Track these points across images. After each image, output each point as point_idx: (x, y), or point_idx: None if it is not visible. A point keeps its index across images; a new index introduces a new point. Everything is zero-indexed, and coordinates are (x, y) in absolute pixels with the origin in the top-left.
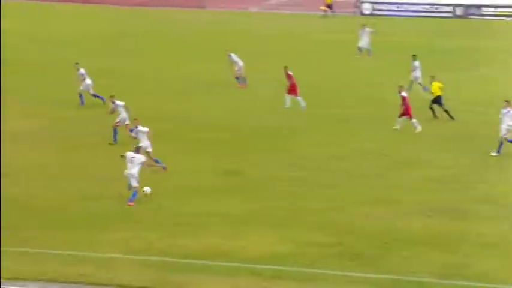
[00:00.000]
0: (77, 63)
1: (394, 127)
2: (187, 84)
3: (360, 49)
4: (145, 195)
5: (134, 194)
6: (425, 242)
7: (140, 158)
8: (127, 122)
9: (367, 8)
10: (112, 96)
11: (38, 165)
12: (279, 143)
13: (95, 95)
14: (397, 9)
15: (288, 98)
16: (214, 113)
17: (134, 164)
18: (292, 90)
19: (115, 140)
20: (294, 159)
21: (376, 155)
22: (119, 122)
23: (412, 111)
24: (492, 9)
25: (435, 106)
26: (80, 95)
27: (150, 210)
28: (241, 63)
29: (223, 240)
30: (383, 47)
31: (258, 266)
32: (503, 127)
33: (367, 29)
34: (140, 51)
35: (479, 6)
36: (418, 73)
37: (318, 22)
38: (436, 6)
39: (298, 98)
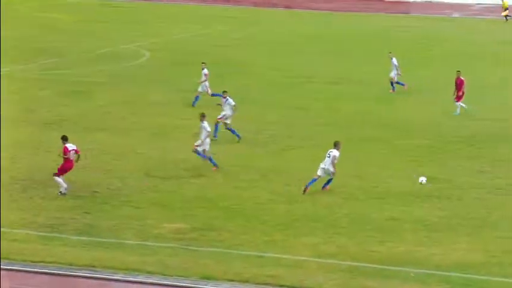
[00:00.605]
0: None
1: None
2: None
3: None
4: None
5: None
6: None
7: (335, 154)
8: (228, 121)
9: None
10: (225, 92)
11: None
12: (476, 150)
13: (213, 94)
14: None
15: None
16: (415, 118)
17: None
18: (460, 97)
19: (215, 135)
20: (493, 166)
21: None
22: (221, 117)
23: None
24: None
25: None
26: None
27: (342, 214)
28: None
29: (415, 247)
30: None
31: (449, 274)
32: None
33: None
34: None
35: None
36: None
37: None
38: None
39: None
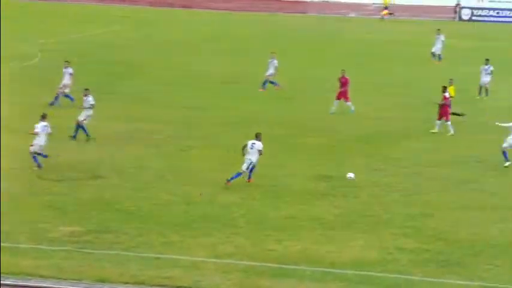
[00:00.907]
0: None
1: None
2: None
3: (433, 54)
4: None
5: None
6: None
7: (259, 145)
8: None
9: (466, 13)
10: (86, 90)
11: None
12: (372, 149)
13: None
14: (497, 15)
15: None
16: (311, 117)
17: (254, 150)
18: (343, 94)
19: (74, 136)
20: (386, 164)
21: (472, 161)
22: (85, 119)
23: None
24: None
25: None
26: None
27: (239, 214)
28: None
29: (311, 245)
30: (480, 54)
31: (345, 271)
32: None
33: (440, 35)
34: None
35: None
36: (487, 78)
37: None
38: None
39: (349, 103)
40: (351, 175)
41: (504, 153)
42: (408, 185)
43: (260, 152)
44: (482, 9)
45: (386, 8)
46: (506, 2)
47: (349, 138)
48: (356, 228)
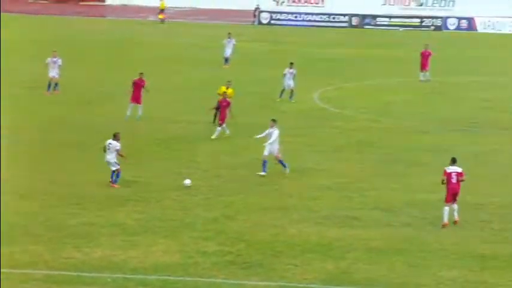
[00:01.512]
0: None
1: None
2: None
3: (226, 59)
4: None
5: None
6: (317, 249)
7: (116, 144)
8: None
9: (265, 17)
10: None
11: None
12: (173, 152)
13: None
14: (294, 18)
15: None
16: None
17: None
18: (136, 98)
19: None
20: (188, 168)
21: (270, 163)
22: None
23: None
24: (386, 19)
25: None
26: None
27: (38, 222)
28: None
29: (112, 251)
30: (278, 57)
31: (147, 277)
32: None
33: (231, 39)
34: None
35: (374, 17)
36: (291, 81)
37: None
38: (333, 16)
39: (140, 106)
40: (187, 182)
41: (264, 162)
42: (210, 188)
43: (117, 152)
44: (280, 13)
45: (162, 11)
46: (303, 6)
47: (149, 143)
48: (158, 233)
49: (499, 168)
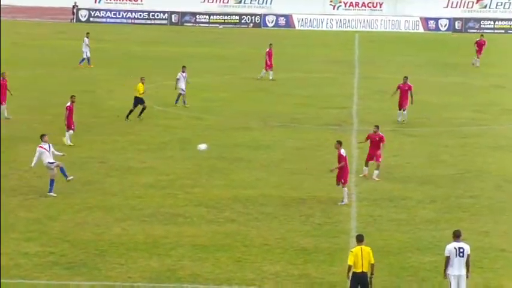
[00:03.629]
0: None
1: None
2: None
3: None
4: None
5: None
6: (142, 247)
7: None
8: None
9: (83, 14)
10: None
11: None
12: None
13: None
14: (114, 16)
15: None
16: None
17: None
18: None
19: None
20: (11, 169)
21: (94, 162)
22: None
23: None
24: (206, 16)
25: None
26: None
27: None
28: None
29: None
30: (99, 55)
31: None
32: None
33: (86, 38)
34: None
35: (194, 14)
36: (183, 84)
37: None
38: (152, 13)
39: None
40: (202, 146)
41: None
42: (30, 188)
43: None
44: (99, 10)
45: None
46: (122, 3)
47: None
48: None
49: (319, 163)
